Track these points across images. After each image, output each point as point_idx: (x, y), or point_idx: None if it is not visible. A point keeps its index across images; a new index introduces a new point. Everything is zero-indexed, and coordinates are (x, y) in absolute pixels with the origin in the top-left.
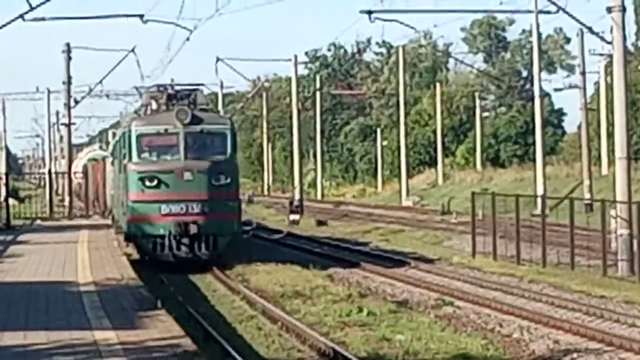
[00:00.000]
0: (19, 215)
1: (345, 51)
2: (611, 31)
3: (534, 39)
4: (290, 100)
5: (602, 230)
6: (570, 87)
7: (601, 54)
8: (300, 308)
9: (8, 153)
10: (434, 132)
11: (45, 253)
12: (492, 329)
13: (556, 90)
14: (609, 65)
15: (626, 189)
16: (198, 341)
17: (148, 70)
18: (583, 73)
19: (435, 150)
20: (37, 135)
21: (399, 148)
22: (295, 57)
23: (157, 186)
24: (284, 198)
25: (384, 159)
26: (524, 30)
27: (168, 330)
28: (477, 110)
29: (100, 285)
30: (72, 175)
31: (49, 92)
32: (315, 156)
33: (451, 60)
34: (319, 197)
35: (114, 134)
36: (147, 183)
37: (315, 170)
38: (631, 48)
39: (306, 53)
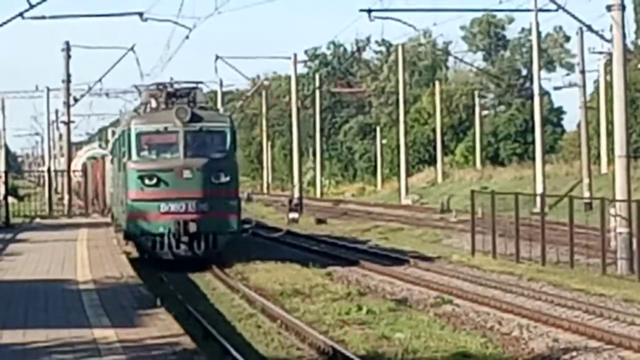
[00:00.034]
0: (18, 214)
1: (345, 49)
2: (611, 29)
3: (534, 37)
4: (290, 99)
5: (601, 228)
6: (570, 85)
7: (601, 53)
8: (300, 306)
9: (7, 151)
10: (434, 130)
11: (44, 251)
12: (491, 327)
13: (556, 88)
14: (609, 64)
15: (625, 188)
16: (197, 339)
17: (147, 69)
18: (582, 71)
19: (434, 148)
20: (37, 134)
21: (398, 146)
22: (295, 55)
23: (156, 184)
24: (284, 196)
25: (384, 157)
26: (523, 29)
27: (167, 328)
28: (477, 109)
29: (99, 284)
30: (72, 174)
31: (48, 90)
32: (314, 154)
33: (451, 59)
34: (318, 195)
35: (113, 132)
36: (147, 181)
37: (314, 168)
38: (631, 46)
39: (306, 51)
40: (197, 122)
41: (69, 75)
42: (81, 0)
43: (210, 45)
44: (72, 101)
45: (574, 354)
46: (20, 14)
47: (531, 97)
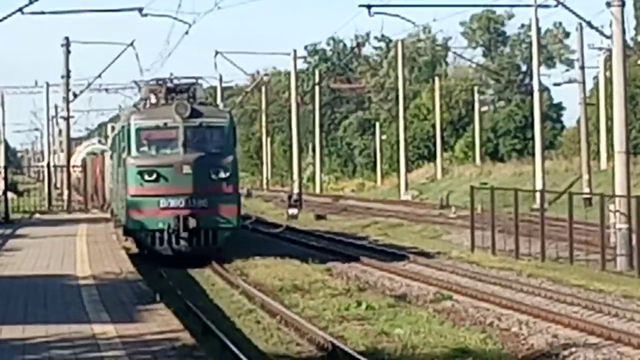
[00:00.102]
0: (17, 209)
1: (345, 45)
2: (610, 25)
3: (533, 33)
4: (289, 94)
5: (600, 224)
6: (570, 81)
7: (600, 49)
8: (299, 302)
9: (7, 146)
10: (433, 126)
11: (43, 247)
12: (490, 323)
13: (555, 84)
14: (608, 60)
15: (625, 184)
16: (197, 335)
17: (147, 64)
18: (582, 67)
19: (434, 144)
20: (36, 129)
21: (398, 142)
22: (295, 51)
23: (156, 180)
24: (283, 192)
25: (383, 153)
26: (523, 25)
27: (167, 324)
28: (476, 105)
29: (99, 279)
30: (71, 169)
31: (47, 85)
32: (314, 150)
33: (450, 55)
34: (317, 191)
35: (113, 128)
36: (146, 177)
37: (314, 164)
38: (630, 42)
39: (305, 47)
40: (196, 117)
41: (68, 71)
42: None
43: (210, 41)
44: (71, 97)
45: (574, 349)
46: (20, 9)
47: (531, 93)
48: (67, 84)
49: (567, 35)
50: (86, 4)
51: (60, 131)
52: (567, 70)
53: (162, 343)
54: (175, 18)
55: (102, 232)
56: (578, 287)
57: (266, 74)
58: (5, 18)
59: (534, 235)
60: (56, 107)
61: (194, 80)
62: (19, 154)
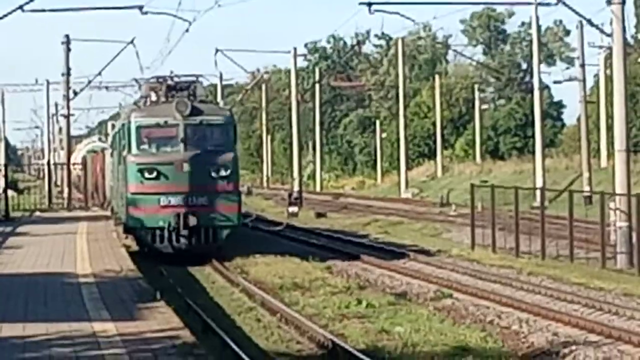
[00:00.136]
0: (17, 207)
1: (345, 43)
2: (611, 23)
3: (534, 31)
4: (290, 92)
5: (601, 222)
6: (570, 79)
7: (601, 47)
8: (299, 300)
9: (7, 144)
10: (433, 124)
11: (44, 244)
12: (490, 321)
13: (555, 82)
14: (609, 58)
15: (625, 182)
16: (197, 333)
17: (147, 62)
18: (582, 65)
19: (434, 142)
20: (37, 127)
21: (398, 140)
22: (295, 49)
23: (156, 178)
24: (283, 190)
25: (383, 151)
26: (523, 23)
27: (167, 321)
28: (477, 103)
29: (99, 277)
30: (71, 167)
31: (48, 83)
32: (314, 148)
33: (450, 53)
34: (318, 189)
35: (113, 126)
36: (147, 175)
37: (314, 162)
38: (631, 40)
39: (305, 45)
40: (197, 115)
41: (68, 69)
42: None
43: (210, 39)
44: (71, 94)
45: (574, 347)
46: (20, 7)
47: (531, 91)
48: (68, 82)
49: (568, 33)
50: (86, 2)
51: (60, 129)
52: (567, 68)
53: (162, 341)
54: (175, 16)
55: (103, 229)
56: (578, 285)
57: (266, 72)
58: (5, 16)
59: (534, 233)
60: (56, 104)
61: (194, 78)
62: (20, 152)
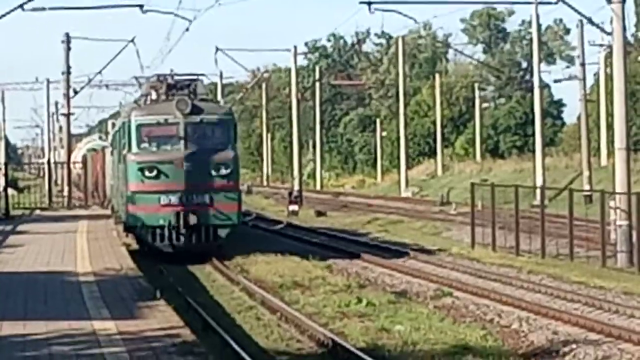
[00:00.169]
0: (18, 205)
1: (345, 42)
2: (611, 22)
3: (534, 29)
4: (290, 91)
5: (601, 221)
6: (570, 78)
7: (601, 45)
8: (300, 298)
9: (7, 143)
10: (434, 123)
11: (44, 243)
12: (491, 319)
13: (556, 81)
14: (609, 56)
15: (625, 180)
16: (197, 331)
17: (148, 61)
18: (583, 64)
19: (434, 141)
20: (37, 126)
21: (398, 139)
22: (295, 47)
23: (156, 176)
24: (283, 189)
25: (384, 149)
26: (523, 21)
27: (167, 320)
28: (477, 101)
29: (99, 276)
30: (72, 166)
31: (48, 82)
32: (314, 147)
33: (451, 51)
34: (318, 187)
35: (113, 124)
36: (147, 173)
37: (314, 160)
38: (631, 39)
39: (306, 44)
40: (197, 114)
41: (68, 67)
42: None
43: (211, 37)
44: (72, 93)
45: (574, 346)
46: (20, 6)
47: (531, 90)
48: (68, 81)
49: (568, 31)
50: (87, 1)
51: (60, 128)
52: (567, 67)
53: (162, 339)
54: (175, 14)
55: (103, 228)
56: (578, 284)
57: (267, 71)
58: (5, 14)
59: (534, 232)
60: (57, 103)
61: (195, 77)
62: (20, 151)
